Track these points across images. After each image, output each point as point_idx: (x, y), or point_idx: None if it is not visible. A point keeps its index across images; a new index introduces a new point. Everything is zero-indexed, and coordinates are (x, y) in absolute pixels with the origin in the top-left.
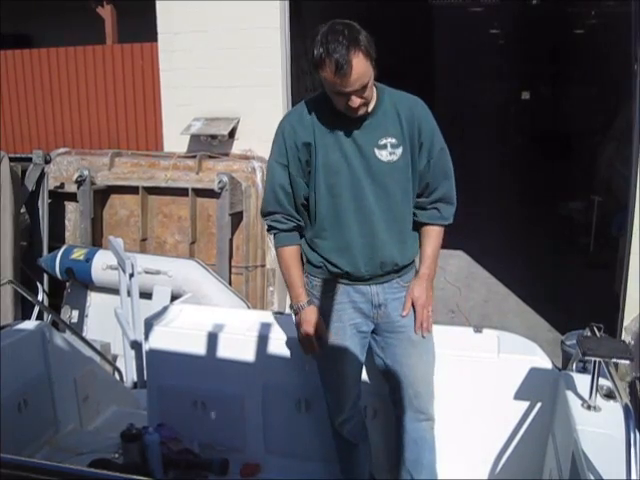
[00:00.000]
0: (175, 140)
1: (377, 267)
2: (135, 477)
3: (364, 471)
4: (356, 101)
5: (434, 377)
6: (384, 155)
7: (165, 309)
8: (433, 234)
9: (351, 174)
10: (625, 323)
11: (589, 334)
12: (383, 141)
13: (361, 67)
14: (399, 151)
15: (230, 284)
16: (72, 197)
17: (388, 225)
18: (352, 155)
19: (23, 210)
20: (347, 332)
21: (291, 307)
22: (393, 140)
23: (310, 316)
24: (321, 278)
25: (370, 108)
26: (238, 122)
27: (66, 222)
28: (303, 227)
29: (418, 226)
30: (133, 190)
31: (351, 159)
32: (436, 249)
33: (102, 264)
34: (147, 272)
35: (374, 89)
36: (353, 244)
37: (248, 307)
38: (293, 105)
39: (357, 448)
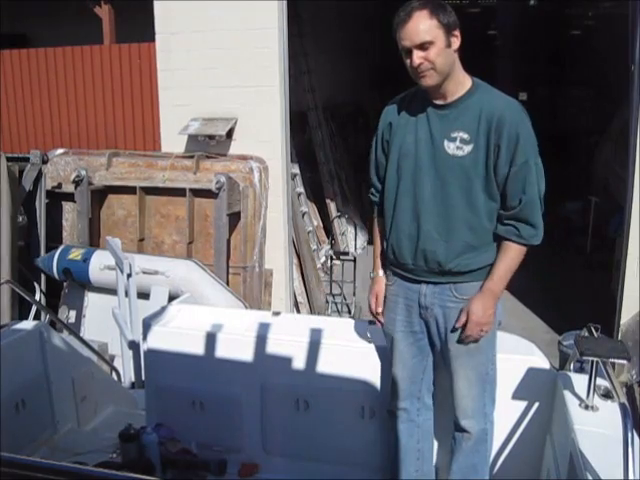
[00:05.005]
0: (173, 140)
1: (421, 259)
2: (139, 476)
3: (395, 471)
4: (416, 59)
5: (482, 395)
6: (451, 148)
7: (163, 309)
8: (506, 250)
9: (417, 159)
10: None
11: (587, 334)
12: (455, 134)
13: (422, 22)
14: (468, 148)
15: (228, 284)
16: (70, 197)
17: (438, 219)
18: (423, 142)
19: (20, 210)
20: (397, 326)
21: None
22: (465, 135)
23: (375, 286)
24: (390, 262)
25: (452, 95)
26: (236, 122)
27: (63, 222)
28: None
29: (497, 240)
30: (131, 190)
31: (421, 145)
32: (507, 266)
33: (99, 264)
34: (145, 272)
35: (456, 71)
36: (403, 229)
37: (246, 307)
38: (291, 106)
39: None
